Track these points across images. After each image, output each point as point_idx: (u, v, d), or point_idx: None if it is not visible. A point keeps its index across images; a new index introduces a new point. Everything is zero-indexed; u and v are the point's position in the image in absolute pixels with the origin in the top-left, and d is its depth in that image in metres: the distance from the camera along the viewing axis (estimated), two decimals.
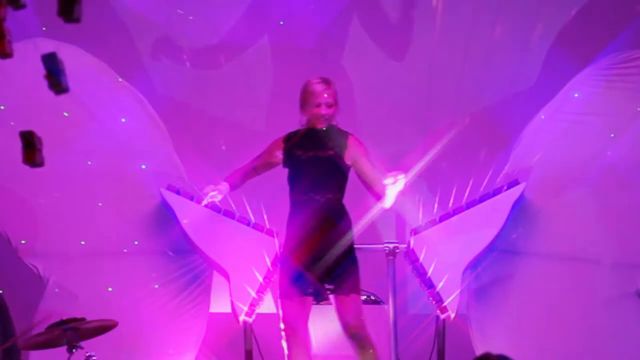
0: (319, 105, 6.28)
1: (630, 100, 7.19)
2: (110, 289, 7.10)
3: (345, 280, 6.24)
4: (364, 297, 6.91)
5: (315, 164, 6.31)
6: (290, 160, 6.41)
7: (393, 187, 6.08)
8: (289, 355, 6.26)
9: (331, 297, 6.26)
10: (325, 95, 6.29)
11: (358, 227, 6.35)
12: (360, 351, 6.21)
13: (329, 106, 6.30)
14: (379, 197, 6.27)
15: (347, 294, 6.21)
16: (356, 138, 6.41)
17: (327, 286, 6.22)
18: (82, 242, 7.12)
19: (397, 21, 7.75)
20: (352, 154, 6.33)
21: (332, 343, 7.05)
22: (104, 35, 7.35)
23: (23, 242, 7.09)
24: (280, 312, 6.29)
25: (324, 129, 6.35)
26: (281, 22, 7.70)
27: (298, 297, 6.23)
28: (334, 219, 6.28)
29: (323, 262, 6.19)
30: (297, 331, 6.25)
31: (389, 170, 6.22)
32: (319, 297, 6.27)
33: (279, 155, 6.45)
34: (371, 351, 6.20)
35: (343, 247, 6.24)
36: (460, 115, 7.74)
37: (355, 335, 6.20)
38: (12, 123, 6.79)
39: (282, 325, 6.27)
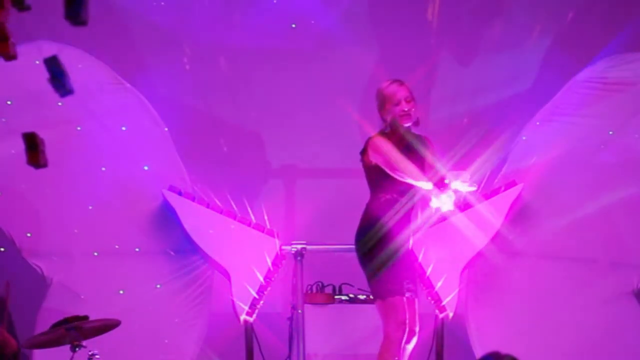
0: (399, 103, 5.96)
1: (627, 102, 7.23)
2: (121, 292, 7.14)
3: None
4: (363, 297, 6.97)
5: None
6: None
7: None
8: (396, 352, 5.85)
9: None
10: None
11: None
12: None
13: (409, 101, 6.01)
14: None
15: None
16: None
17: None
18: (95, 254, 7.17)
19: (397, 23, 7.78)
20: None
21: (333, 343, 7.09)
22: (106, 37, 7.37)
23: (29, 234, 7.13)
24: (397, 309, 5.83)
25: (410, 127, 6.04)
26: (293, 25, 7.72)
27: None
28: None
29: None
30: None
31: None
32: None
33: None
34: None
35: None
36: (458, 116, 7.77)
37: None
38: (3, 119, 6.87)
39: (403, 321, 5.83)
